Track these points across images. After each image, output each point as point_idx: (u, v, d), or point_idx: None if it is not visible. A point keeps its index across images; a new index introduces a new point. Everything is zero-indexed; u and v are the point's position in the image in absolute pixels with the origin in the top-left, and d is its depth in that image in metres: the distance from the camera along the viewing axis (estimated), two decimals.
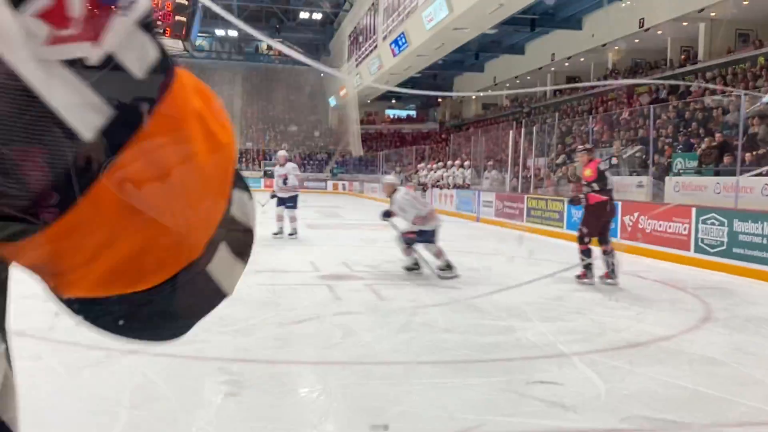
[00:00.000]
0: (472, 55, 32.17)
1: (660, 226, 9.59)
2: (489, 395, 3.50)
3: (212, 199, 0.55)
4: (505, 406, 3.38)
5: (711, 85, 16.44)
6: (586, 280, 6.99)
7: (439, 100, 45.89)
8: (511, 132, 18.00)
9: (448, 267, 7.23)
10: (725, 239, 8.36)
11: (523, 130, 18.19)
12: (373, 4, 33.81)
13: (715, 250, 8.52)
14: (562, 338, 4.68)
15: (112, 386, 3.50)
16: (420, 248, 7.44)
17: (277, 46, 3.46)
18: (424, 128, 46.27)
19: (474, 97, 41.05)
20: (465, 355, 4.29)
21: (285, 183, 11.14)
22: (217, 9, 1.38)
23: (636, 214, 10.15)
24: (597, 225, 7.08)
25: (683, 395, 3.57)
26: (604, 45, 24.53)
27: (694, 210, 9.03)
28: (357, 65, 37.48)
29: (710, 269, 8.35)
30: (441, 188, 21.49)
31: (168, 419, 3.06)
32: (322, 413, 3.28)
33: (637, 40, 23.15)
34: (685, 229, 9.08)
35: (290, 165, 11.51)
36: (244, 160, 43.06)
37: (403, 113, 51.42)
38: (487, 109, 39.49)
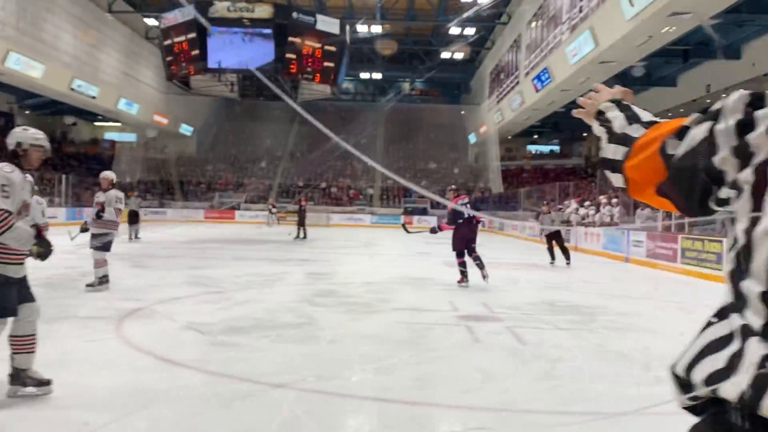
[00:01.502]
0: None
1: None
2: None
3: None
4: None
5: None
6: (463, 284, 9.90)
7: (584, 134, 44.57)
8: None
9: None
10: None
11: None
12: (515, 41, 33.72)
13: None
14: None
15: (260, 419, 3.65)
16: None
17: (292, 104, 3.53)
18: (568, 163, 45.03)
19: None
20: (614, 407, 4.07)
21: (99, 216, 8.55)
22: (264, 80, 1.43)
23: None
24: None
25: None
26: (765, 75, 22.81)
27: None
28: (498, 102, 37.39)
29: None
30: (586, 226, 20.73)
31: None
32: None
33: None
34: None
35: (113, 193, 8.68)
36: (385, 197, 44.07)
37: (545, 148, 50.42)
38: None
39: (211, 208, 41.02)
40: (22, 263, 3.76)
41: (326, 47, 21.29)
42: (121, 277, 10.09)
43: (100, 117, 44.24)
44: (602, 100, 1.32)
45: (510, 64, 35.19)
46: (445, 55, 42.79)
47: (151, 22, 35.07)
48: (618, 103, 1.28)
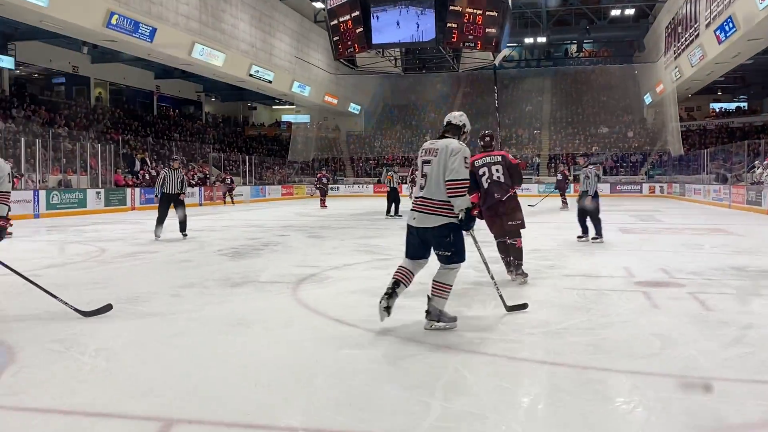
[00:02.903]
0: None
1: None
2: None
3: None
4: None
5: None
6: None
7: None
8: None
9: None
10: None
11: None
12: None
13: None
14: None
15: (426, 377, 3.68)
16: None
17: None
18: (757, 121, 40.68)
19: None
20: None
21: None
22: None
23: None
24: None
25: None
26: None
27: None
28: (675, 58, 34.57)
29: None
30: None
31: (478, 415, 3.11)
32: (640, 426, 3.03)
33: None
34: None
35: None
36: (552, 165, 42.66)
37: (731, 105, 45.94)
38: None
39: (379, 182, 42.15)
40: None
41: (488, 13, 20.83)
42: (298, 247, 10.69)
43: (276, 101, 46.98)
44: None
45: (688, 16, 32.30)
46: (614, 12, 40.27)
47: (318, 5, 36.41)
48: None
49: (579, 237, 10.77)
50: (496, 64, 26.57)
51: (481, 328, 4.85)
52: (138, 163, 28.61)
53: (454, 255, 4.64)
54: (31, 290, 5.27)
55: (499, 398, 3.37)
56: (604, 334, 4.69)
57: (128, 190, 24.42)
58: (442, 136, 4.77)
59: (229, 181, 30.62)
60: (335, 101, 44.26)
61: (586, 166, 10.70)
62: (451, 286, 4.76)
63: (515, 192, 7.08)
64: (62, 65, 32.62)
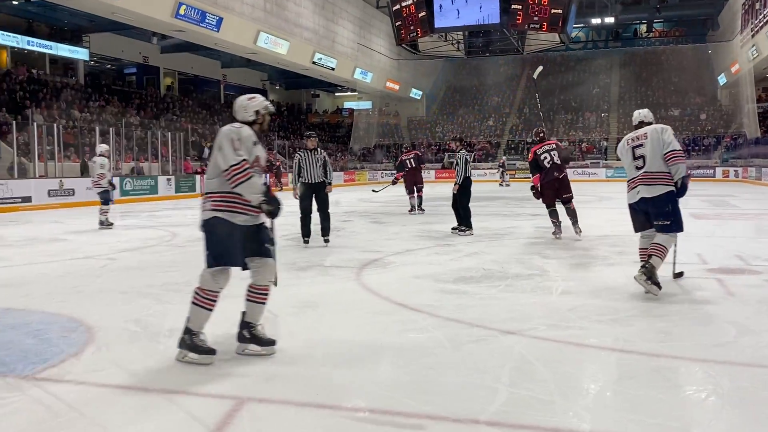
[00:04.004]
0: None
1: None
2: None
3: None
4: None
5: None
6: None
7: None
8: None
9: None
10: None
11: None
12: None
13: None
14: None
15: (492, 362, 3.67)
16: None
17: None
18: None
19: None
20: None
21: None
22: None
23: None
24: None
25: None
26: None
27: None
28: (753, 35, 32.99)
29: None
30: None
31: (545, 401, 3.08)
32: (713, 415, 2.95)
33: None
34: None
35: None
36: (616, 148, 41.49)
37: None
38: None
39: (441, 168, 41.96)
40: (250, 215, 3.84)
41: None
42: (360, 232, 10.79)
43: (339, 88, 47.29)
44: None
45: None
46: None
47: None
48: None
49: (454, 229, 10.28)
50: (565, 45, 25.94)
51: (547, 313, 4.79)
52: (206, 151, 29.35)
53: (672, 224, 5.36)
54: (108, 272, 5.51)
55: (567, 384, 3.33)
56: (675, 321, 4.57)
57: (197, 176, 25.10)
58: (638, 128, 5.70)
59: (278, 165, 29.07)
60: (397, 87, 44.21)
61: (459, 151, 9.98)
62: (668, 249, 5.41)
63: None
64: (133, 56, 33.69)
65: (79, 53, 28.99)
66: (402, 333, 4.31)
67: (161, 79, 36.34)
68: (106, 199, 11.77)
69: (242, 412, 2.97)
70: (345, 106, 52.59)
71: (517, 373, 3.50)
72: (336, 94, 53.49)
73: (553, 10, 20.37)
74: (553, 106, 46.31)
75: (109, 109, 28.13)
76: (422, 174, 15.47)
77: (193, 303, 3.80)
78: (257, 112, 3.92)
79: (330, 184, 8.89)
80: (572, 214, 9.09)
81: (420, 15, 22.28)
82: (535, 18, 20.54)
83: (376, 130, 46.54)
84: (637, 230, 5.73)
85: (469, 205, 10.09)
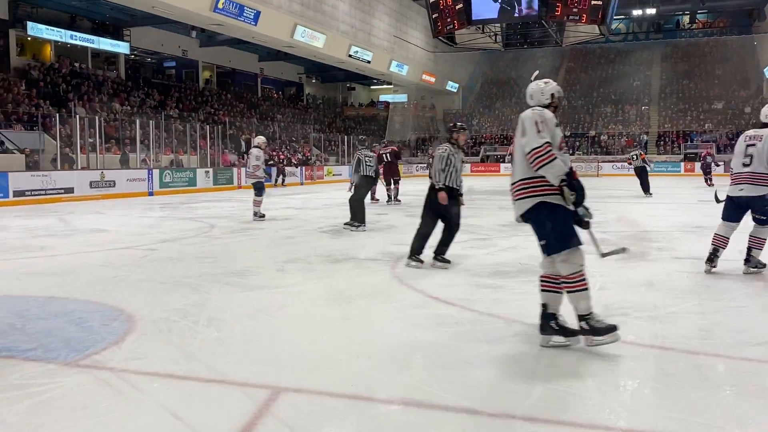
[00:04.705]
0: None
1: None
2: None
3: None
4: None
5: None
6: None
7: None
8: None
9: None
10: None
11: None
12: None
13: None
14: None
15: (527, 358, 3.64)
16: None
17: None
18: None
19: None
20: None
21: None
22: None
23: None
24: None
25: None
26: None
27: None
28: None
29: None
30: None
31: (581, 397, 3.06)
32: (754, 416, 2.88)
33: None
34: None
35: None
36: (661, 143, 40.73)
37: None
38: None
39: (482, 161, 41.70)
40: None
41: None
42: (396, 225, 10.80)
43: (374, 81, 47.29)
44: None
45: None
46: None
47: None
48: None
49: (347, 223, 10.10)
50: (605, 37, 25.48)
51: None
52: (243, 144, 29.65)
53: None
54: (148, 263, 5.63)
55: (603, 380, 3.29)
56: (715, 319, 4.48)
57: (234, 169, 25.38)
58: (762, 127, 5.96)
59: (278, 159, 27.44)
60: (433, 80, 44.02)
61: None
62: (766, 240, 5.88)
63: None
64: (172, 49, 34.16)
65: (120, 47, 29.51)
66: (437, 327, 4.30)
67: (200, 72, 36.78)
68: (259, 189, 11.82)
69: (278, 402, 3.01)
70: (380, 99, 52.58)
71: (553, 368, 3.47)
72: (371, 87, 53.51)
73: (593, 2, 20.02)
74: (593, 99, 45.60)
75: (148, 102, 28.61)
76: (398, 167, 17.11)
77: (568, 292, 3.71)
78: (552, 95, 4.09)
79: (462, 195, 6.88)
80: None
81: (457, 7, 22.10)
82: (575, 9, 20.21)
83: (412, 124, 46.43)
84: (725, 219, 6.06)
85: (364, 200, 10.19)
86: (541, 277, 3.88)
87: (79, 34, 27.42)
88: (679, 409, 2.90)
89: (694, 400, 3.01)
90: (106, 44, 28.75)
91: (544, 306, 3.84)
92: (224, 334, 4.16)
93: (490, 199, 17.47)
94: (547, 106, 3.95)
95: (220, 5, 23.67)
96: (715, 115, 41.30)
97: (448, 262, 6.61)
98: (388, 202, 15.93)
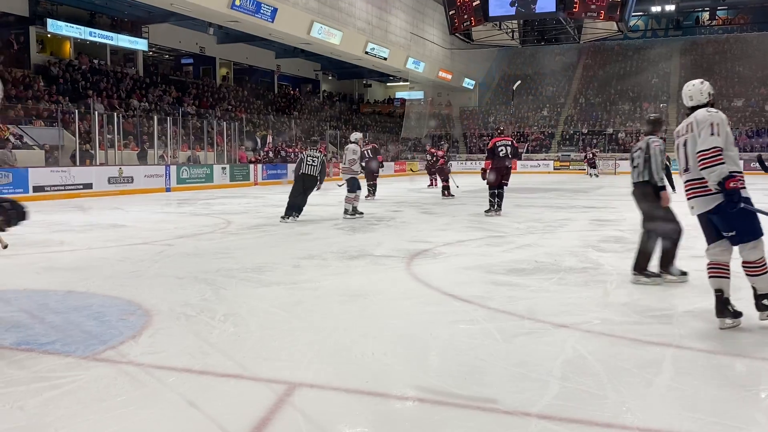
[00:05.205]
0: None
1: None
2: None
3: None
4: None
5: None
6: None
7: None
8: None
9: None
10: None
11: None
12: None
13: None
14: None
15: (544, 356, 3.62)
16: None
17: None
18: None
19: None
20: None
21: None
22: None
23: None
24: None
25: None
26: None
27: None
28: None
29: None
30: None
31: (597, 395, 3.04)
32: None
33: None
34: None
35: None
36: None
37: None
38: None
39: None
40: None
41: None
42: (411, 222, 10.80)
43: (391, 78, 47.24)
44: None
45: None
46: None
47: None
48: None
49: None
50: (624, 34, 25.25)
51: (601, 307, 4.71)
52: (259, 141, 29.73)
53: None
54: (165, 258, 5.67)
55: (620, 379, 3.27)
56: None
57: (251, 166, 25.47)
58: None
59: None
60: (449, 77, 43.89)
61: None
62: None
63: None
64: (190, 46, 34.33)
65: (139, 44, 29.69)
66: (452, 324, 4.30)
67: (217, 69, 36.94)
68: (353, 186, 11.80)
69: (293, 397, 3.02)
70: (397, 96, 52.52)
71: (569, 366, 3.45)
72: (388, 84, 53.44)
73: None
74: (610, 96, 45.25)
75: (166, 98, 28.79)
76: (378, 164, 17.82)
77: (754, 275, 3.99)
78: (710, 94, 4.31)
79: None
80: (501, 196, 11.55)
81: (474, 4, 22.05)
82: (593, 6, 20.08)
83: (428, 120, 46.35)
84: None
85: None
86: (710, 264, 4.14)
87: (98, 31, 27.62)
88: (698, 409, 2.87)
89: (713, 399, 2.98)
90: (124, 41, 28.95)
91: (720, 291, 4.07)
92: (241, 329, 4.19)
93: (506, 197, 17.38)
94: (705, 105, 4.22)
95: (237, 2, 23.75)
96: (735, 113, 40.77)
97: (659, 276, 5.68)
98: (366, 197, 16.13)
